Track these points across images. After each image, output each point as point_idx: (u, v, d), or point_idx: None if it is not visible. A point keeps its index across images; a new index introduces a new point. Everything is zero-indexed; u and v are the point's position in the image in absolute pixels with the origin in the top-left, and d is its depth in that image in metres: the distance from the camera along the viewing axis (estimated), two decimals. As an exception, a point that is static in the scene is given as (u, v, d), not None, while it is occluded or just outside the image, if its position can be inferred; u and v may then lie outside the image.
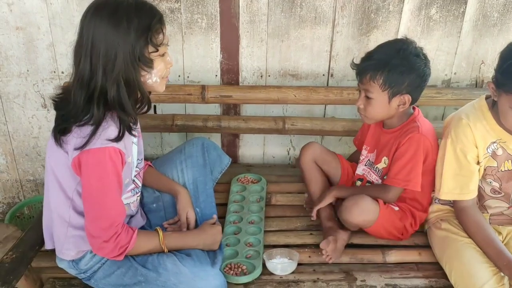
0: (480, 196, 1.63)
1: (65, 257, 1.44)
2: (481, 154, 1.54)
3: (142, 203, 1.70)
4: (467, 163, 1.53)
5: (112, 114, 1.31)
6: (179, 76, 2.12)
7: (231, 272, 1.54)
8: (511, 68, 1.37)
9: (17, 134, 2.23)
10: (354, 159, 1.93)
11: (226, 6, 1.99)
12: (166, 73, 1.39)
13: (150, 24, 1.28)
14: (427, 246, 1.69)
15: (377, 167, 1.71)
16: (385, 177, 1.68)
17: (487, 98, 1.56)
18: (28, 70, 2.08)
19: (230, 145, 2.31)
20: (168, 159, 1.79)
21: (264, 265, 1.58)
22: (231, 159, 1.89)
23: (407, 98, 1.56)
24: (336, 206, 1.75)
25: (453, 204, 1.63)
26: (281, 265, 1.57)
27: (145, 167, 1.66)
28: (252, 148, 2.33)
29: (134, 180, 1.50)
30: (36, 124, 2.21)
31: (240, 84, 2.15)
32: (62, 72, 2.09)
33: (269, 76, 2.15)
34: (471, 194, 1.56)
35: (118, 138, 1.29)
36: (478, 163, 1.55)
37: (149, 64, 1.31)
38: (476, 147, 1.53)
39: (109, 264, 1.43)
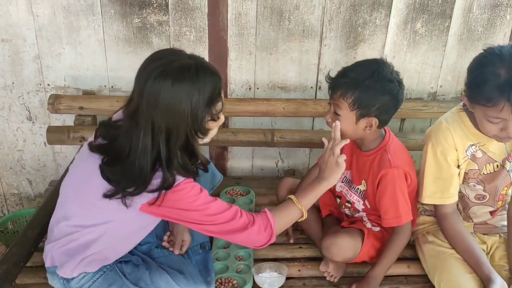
0: (465, 204, 1.65)
1: (66, 275, 1.39)
2: (460, 157, 1.56)
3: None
4: (447, 166, 1.56)
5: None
6: (167, 88, 2.11)
7: (222, 287, 1.52)
8: (475, 81, 1.40)
9: (1, 147, 2.19)
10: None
11: (215, 19, 1.99)
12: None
13: (213, 97, 1.26)
14: (415, 259, 1.69)
15: (358, 188, 1.69)
16: (365, 201, 1.67)
17: (464, 104, 1.58)
18: (13, 83, 2.06)
19: (219, 158, 2.30)
20: None
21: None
22: (223, 176, 1.86)
23: (374, 121, 1.52)
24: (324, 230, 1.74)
25: (435, 210, 1.65)
26: (269, 279, 1.56)
27: None
28: (241, 160, 2.32)
29: None
30: (21, 137, 2.18)
31: (229, 96, 2.15)
32: (48, 85, 2.07)
33: (257, 88, 2.15)
34: (451, 199, 1.58)
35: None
36: (458, 166, 1.57)
37: (206, 133, 1.31)
38: (456, 150, 1.55)
39: (101, 281, 1.40)
